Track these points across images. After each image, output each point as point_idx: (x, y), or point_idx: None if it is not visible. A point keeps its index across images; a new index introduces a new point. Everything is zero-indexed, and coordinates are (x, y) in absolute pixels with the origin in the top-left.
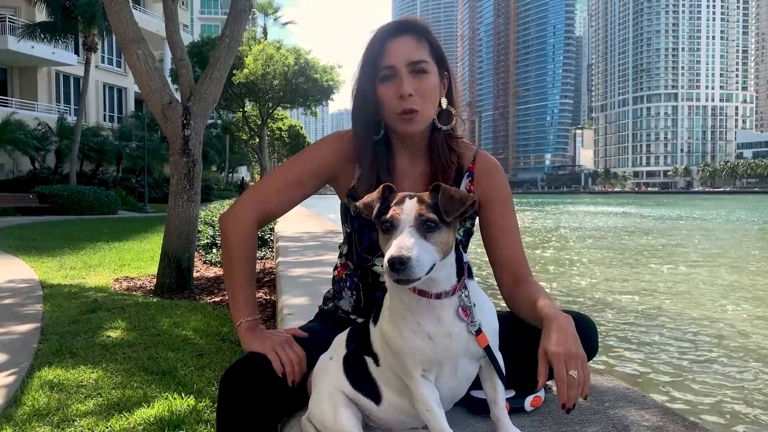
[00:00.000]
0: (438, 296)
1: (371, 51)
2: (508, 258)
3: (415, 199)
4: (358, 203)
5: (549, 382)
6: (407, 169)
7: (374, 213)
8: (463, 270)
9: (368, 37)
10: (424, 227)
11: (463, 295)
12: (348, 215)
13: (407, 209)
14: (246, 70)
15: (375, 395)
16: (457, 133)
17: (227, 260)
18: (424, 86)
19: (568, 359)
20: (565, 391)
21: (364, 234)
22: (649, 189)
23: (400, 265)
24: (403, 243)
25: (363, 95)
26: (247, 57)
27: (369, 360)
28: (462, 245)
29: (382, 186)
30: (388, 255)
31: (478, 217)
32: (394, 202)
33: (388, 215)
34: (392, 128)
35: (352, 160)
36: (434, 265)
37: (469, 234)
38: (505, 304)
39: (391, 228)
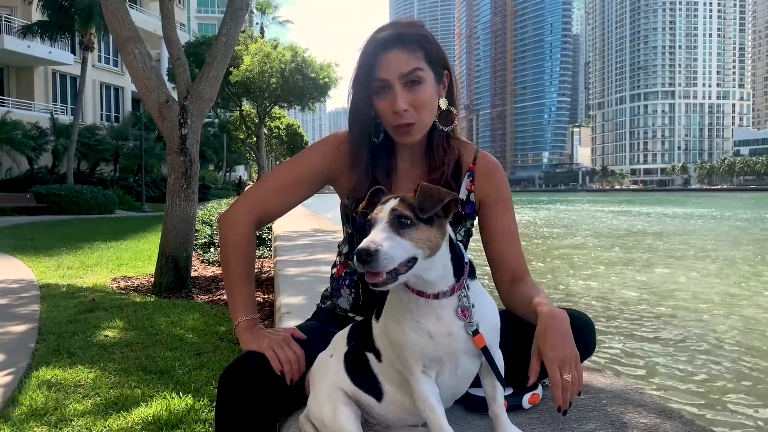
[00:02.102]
0: (436, 296)
1: (364, 64)
2: (507, 258)
3: (398, 198)
4: (360, 206)
5: (546, 380)
6: (408, 170)
7: (359, 215)
8: (463, 270)
9: (363, 43)
10: (397, 223)
11: (462, 295)
12: (349, 216)
13: (385, 209)
14: (243, 67)
15: (376, 391)
16: (456, 133)
17: (225, 260)
18: (420, 97)
19: (562, 364)
20: (560, 394)
21: (366, 234)
22: (644, 187)
23: (366, 256)
24: (372, 237)
25: (358, 106)
26: (244, 56)
27: (370, 356)
28: (462, 245)
29: (372, 189)
30: (357, 248)
31: (477, 218)
32: (380, 202)
33: (372, 214)
34: (393, 137)
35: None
36: (414, 261)
37: (468, 234)
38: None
39: (370, 228)
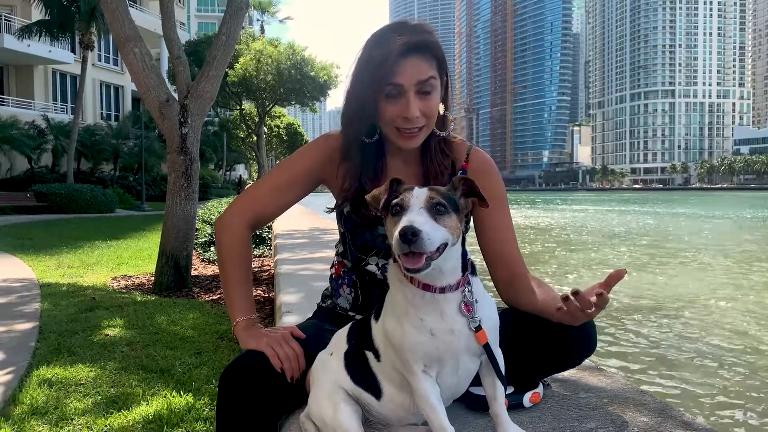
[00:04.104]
0: (442, 290)
1: (377, 65)
2: (505, 256)
3: (426, 188)
4: (366, 196)
5: (546, 379)
6: (400, 169)
7: (381, 203)
8: (467, 266)
9: (372, 40)
10: (435, 210)
11: (466, 290)
12: (342, 216)
13: (417, 194)
14: (237, 66)
15: (375, 390)
16: (451, 136)
17: (222, 263)
18: (430, 106)
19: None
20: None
21: (357, 234)
22: (644, 186)
23: (412, 235)
24: (413, 218)
25: (361, 105)
26: (244, 53)
27: (370, 355)
28: None
29: (390, 179)
30: (399, 227)
31: (472, 217)
32: (403, 189)
33: (398, 199)
34: (390, 140)
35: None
36: (446, 246)
37: (466, 230)
38: (503, 302)
39: (400, 210)
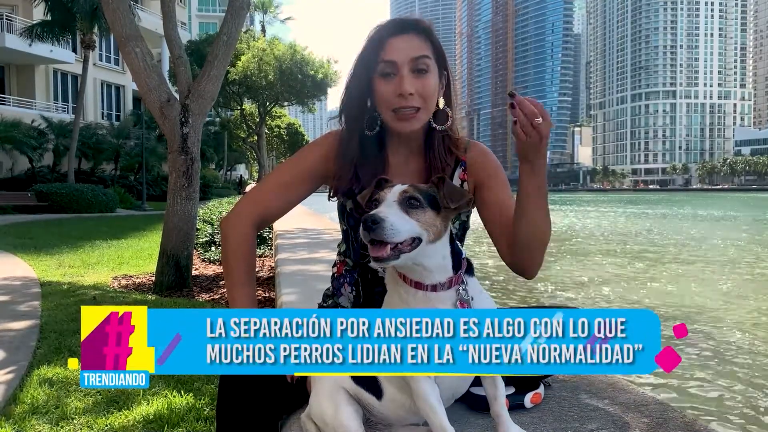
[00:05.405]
0: (434, 288)
1: (372, 45)
2: (508, 226)
3: (407, 185)
4: (358, 197)
5: (547, 380)
6: (401, 165)
7: (365, 201)
8: (461, 264)
9: (369, 32)
10: (407, 203)
11: (460, 288)
12: (344, 213)
13: (394, 190)
14: (239, 64)
15: (376, 390)
16: (455, 134)
17: (226, 262)
18: (425, 85)
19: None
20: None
21: (359, 230)
22: (649, 186)
23: (372, 223)
24: (379, 210)
25: (358, 88)
26: (245, 52)
27: None
28: (458, 239)
29: (377, 179)
30: (364, 216)
31: (475, 201)
32: (385, 187)
33: (377, 195)
34: (388, 125)
35: None
36: (419, 242)
37: (464, 228)
38: (505, 303)
39: (377, 205)
